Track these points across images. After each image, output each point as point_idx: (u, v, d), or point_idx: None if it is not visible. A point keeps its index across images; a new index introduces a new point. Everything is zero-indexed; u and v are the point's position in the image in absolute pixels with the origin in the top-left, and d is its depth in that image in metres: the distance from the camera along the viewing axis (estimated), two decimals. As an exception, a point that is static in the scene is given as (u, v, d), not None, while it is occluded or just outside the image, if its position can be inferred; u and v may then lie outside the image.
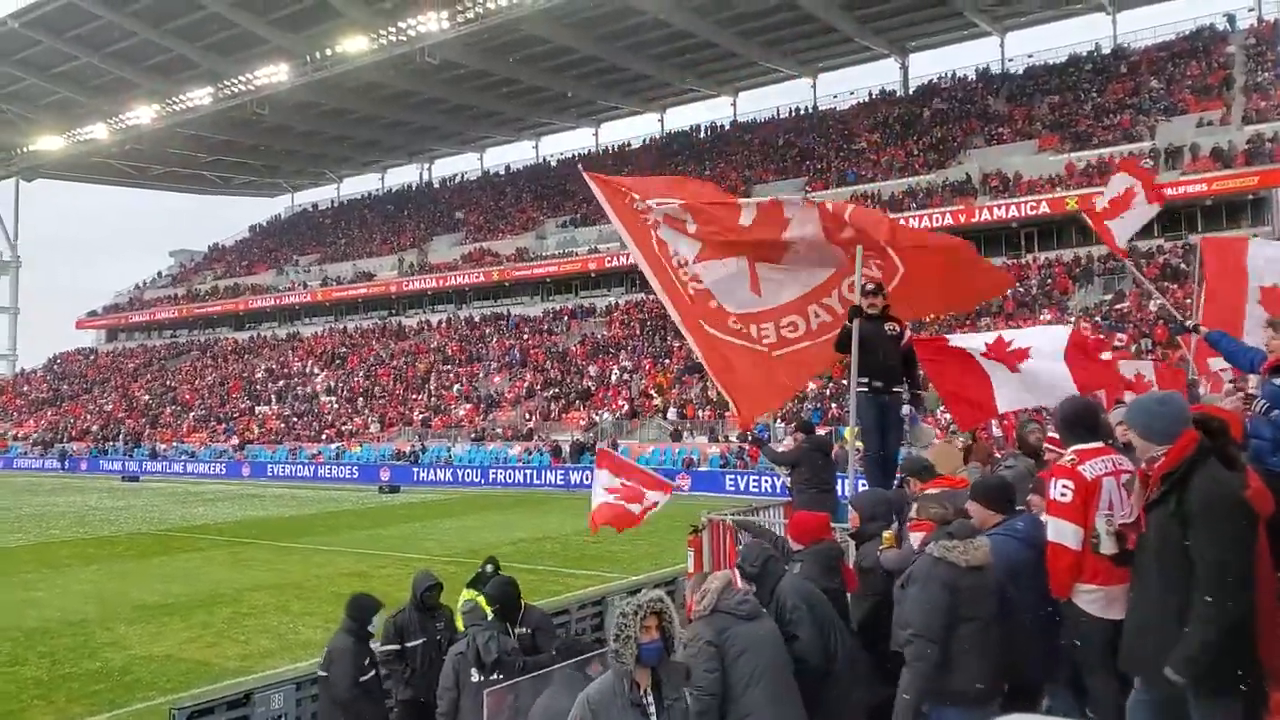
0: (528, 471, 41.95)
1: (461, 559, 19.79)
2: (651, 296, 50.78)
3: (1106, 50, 53.76)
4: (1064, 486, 4.78)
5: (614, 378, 47.26)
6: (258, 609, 16.26)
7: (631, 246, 9.09)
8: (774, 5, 50.85)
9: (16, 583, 19.21)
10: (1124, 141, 43.74)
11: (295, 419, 55.20)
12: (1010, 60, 57.89)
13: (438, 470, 44.16)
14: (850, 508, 6.79)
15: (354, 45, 55.56)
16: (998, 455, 9.10)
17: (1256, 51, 46.71)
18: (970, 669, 4.92)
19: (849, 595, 6.30)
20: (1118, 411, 6.23)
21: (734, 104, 69.06)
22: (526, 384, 49.78)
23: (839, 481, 10.37)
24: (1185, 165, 40.81)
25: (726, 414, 37.29)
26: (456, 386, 52.30)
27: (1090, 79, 51.24)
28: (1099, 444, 5.01)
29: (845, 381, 9.67)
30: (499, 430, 46.44)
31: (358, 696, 7.35)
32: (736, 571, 6.06)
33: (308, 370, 61.59)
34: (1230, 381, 8.24)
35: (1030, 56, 56.85)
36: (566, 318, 56.33)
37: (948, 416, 31.78)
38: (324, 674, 7.64)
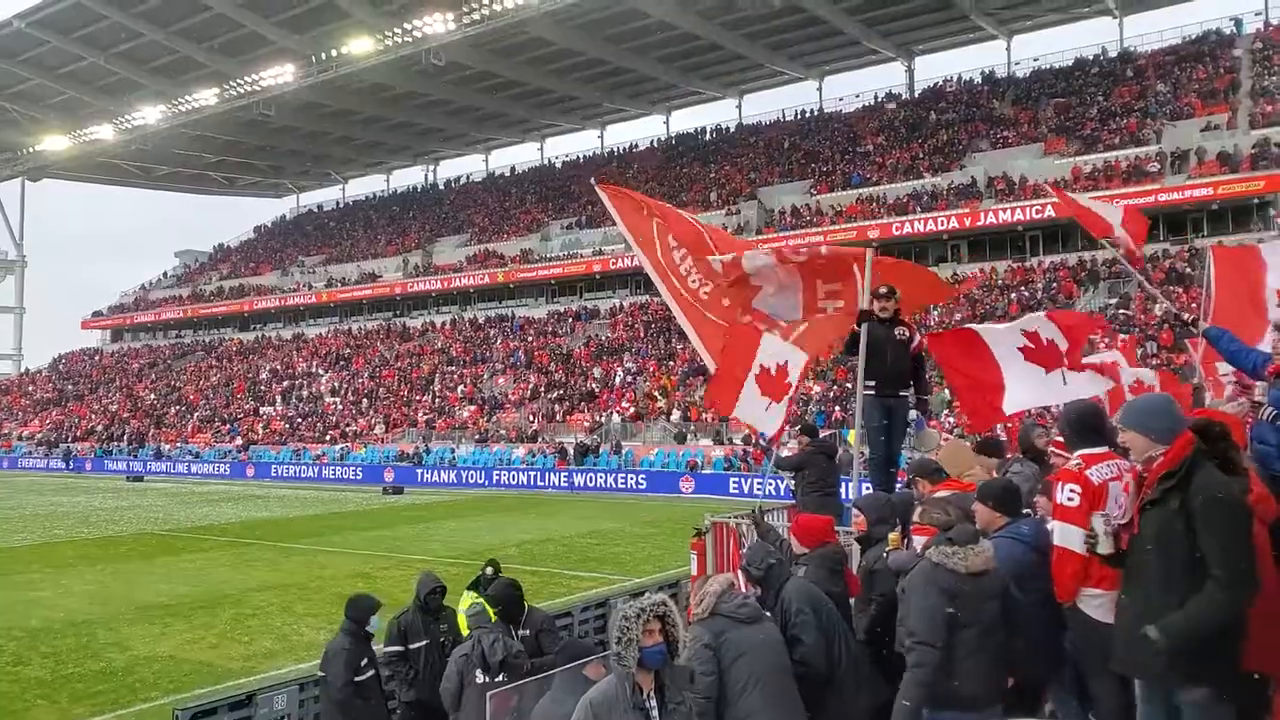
0: (532, 473, 41.96)
1: (465, 560, 19.78)
2: (656, 299, 50.83)
3: (1113, 54, 53.63)
4: (1071, 491, 4.77)
5: (618, 380, 47.26)
6: (261, 610, 16.26)
7: (636, 249, 9.19)
8: (780, 8, 50.81)
9: (20, 582, 19.21)
10: (1130, 145, 43.69)
11: (300, 420, 55.26)
12: (1016, 63, 57.93)
13: (441, 472, 44.19)
14: (855, 511, 6.77)
15: (360, 46, 55.64)
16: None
17: (1263, 56, 46.64)
18: (970, 674, 4.91)
19: (851, 600, 6.29)
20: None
21: (739, 106, 69.02)
22: (531, 386, 49.78)
23: (842, 485, 10.38)
24: (1191, 169, 40.77)
25: (731, 417, 37.22)
26: (461, 388, 52.33)
27: (1096, 83, 51.17)
28: (1105, 449, 5.00)
29: (849, 384, 9.68)
30: (503, 432, 46.45)
31: (352, 695, 7.32)
32: (741, 574, 6.05)
33: (312, 371, 61.65)
34: (1234, 383, 8.18)
35: (1036, 60, 56.87)
36: (571, 319, 56.34)
37: (950, 420, 31.82)
38: (322, 674, 7.64)
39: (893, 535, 6.16)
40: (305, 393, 58.87)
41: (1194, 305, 10.27)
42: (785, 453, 11.77)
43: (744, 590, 5.83)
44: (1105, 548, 4.58)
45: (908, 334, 8.79)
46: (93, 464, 57.55)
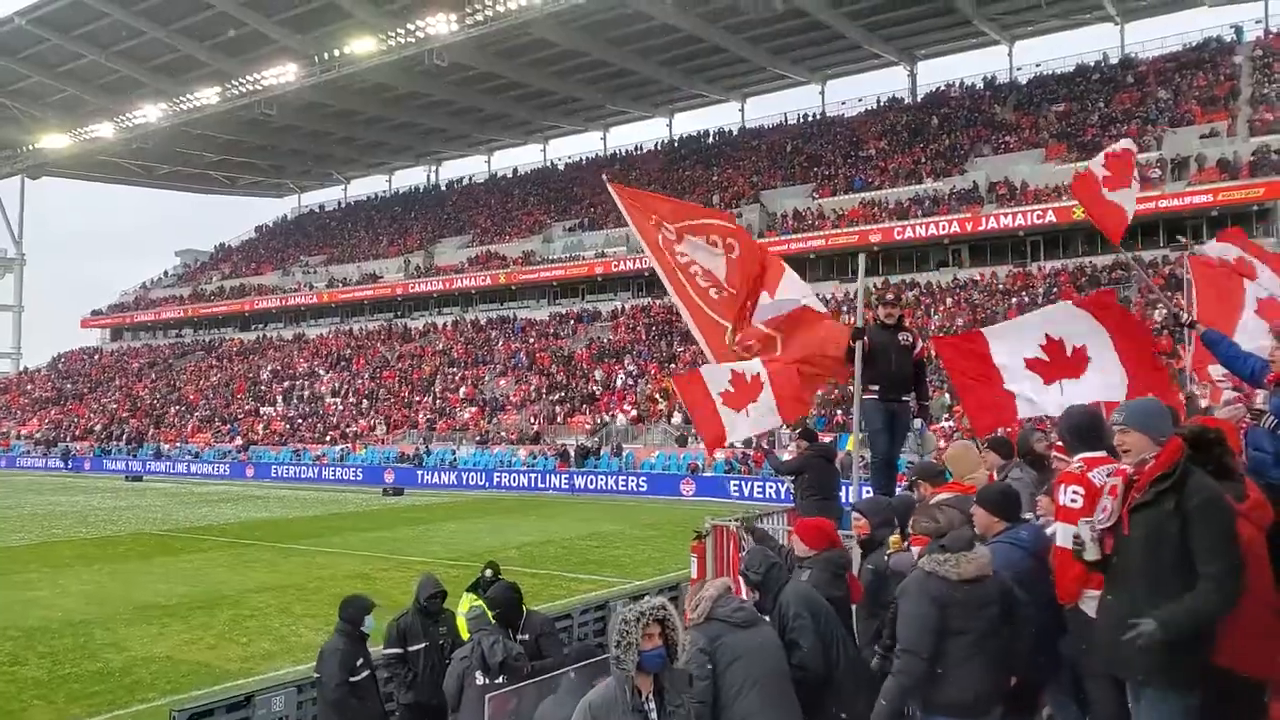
0: (532, 475, 41.95)
1: (465, 562, 19.77)
2: (657, 301, 50.94)
3: (1114, 60, 53.71)
4: (1074, 493, 4.80)
5: (619, 382, 47.25)
6: (260, 610, 16.25)
7: (643, 245, 9.31)
8: (783, 11, 50.83)
9: (18, 582, 19.20)
10: (1131, 151, 43.66)
11: (300, 420, 55.25)
12: (1018, 69, 57.99)
13: (442, 473, 44.19)
14: (856, 514, 6.77)
15: (362, 46, 55.65)
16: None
17: (1263, 63, 46.69)
18: (963, 680, 4.91)
19: (853, 605, 6.29)
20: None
21: (742, 109, 69.08)
22: (532, 387, 49.78)
23: (843, 489, 10.38)
24: (1191, 176, 40.82)
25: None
26: (462, 389, 52.33)
27: (1097, 89, 51.22)
28: (1103, 453, 5.02)
29: (850, 387, 9.69)
30: (504, 434, 46.45)
31: (347, 695, 7.31)
32: (741, 579, 6.04)
33: (313, 371, 61.65)
34: (1231, 388, 8.17)
35: (1038, 65, 56.92)
36: (572, 321, 56.33)
37: (950, 424, 31.84)
38: (316, 675, 7.65)
39: (893, 538, 6.16)
40: (306, 393, 58.86)
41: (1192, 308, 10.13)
42: (785, 456, 11.74)
43: (742, 595, 5.83)
44: (1092, 554, 4.60)
45: (911, 339, 8.85)
46: (91, 463, 57.52)
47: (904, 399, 9.11)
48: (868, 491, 9.05)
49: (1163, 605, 4.20)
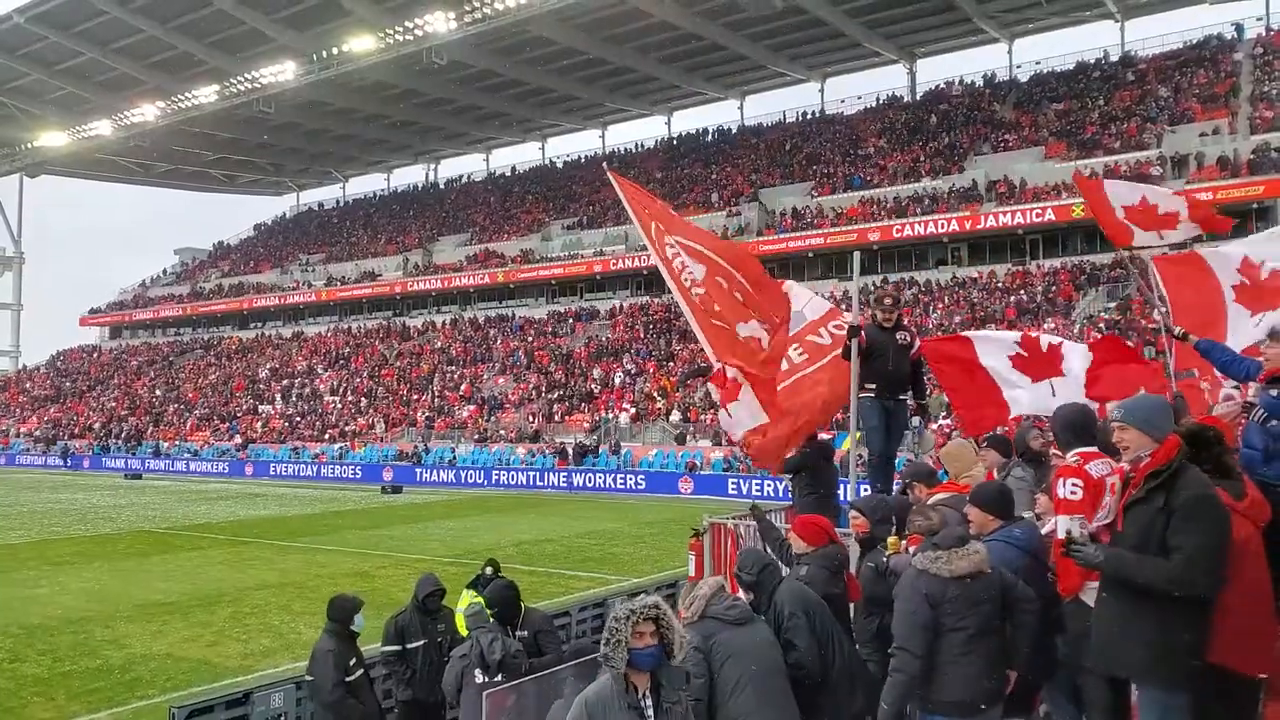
0: (531, 473, 41.97)
1: (463, 560, 19.80)
2: (656, 300, 50.96)
3: (1114, 58, 53.67)
4: (1073, 485, 4.82)
5: (618, 381, 47.25)
6: (259, 608, 16.26)
7: (645, 240, 9.36)
8: (782, 9, 50.80)
9: (17, 580, 19.21)
10: (1131, 149, 43.71)
11: (299, 418, 55.25)
12: (1018, 67, 57.91)
13: (441, 471, 44.21)
14: (854, 513, 6.77)
15: (361, 44, 55.58)
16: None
17: (1264, 61, 46.68)
18: (958, 678, 4.92)
19: (851, 604, 6.30)
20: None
21: (741, 107, 69.03)
22: (530, 386, 49.78)
23: (840, 486, 10.39)
24: (1191, 174, 40.77)
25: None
26: (461, 388, 52.32)
27: (1098, 86, 51.19)
28: (1095, 449, 5.05)
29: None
30: (502, 432, 46.46)
31: (344, 696, 7.31)
32: (735, 580, 6.05)
33: (312, 370, 61.63)
34: (1232, 386, 8.19)
35: (1038, 63, 56.86)
36: (571, 320, 56.32)
37: (949, 423, 31.82)
38: (310, 677, 7.61)
39: (892, 540, 6.16)
40: (304, 391, 58.85)
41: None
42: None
43: (739, 594, 5.83)
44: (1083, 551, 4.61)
45: (909, 339, 8.88)
46: (91, 461, 57.53)
47: (901, 398, 9.15)
48: (866, 489, 9.07)
49: (1151, 603, 4.22)
